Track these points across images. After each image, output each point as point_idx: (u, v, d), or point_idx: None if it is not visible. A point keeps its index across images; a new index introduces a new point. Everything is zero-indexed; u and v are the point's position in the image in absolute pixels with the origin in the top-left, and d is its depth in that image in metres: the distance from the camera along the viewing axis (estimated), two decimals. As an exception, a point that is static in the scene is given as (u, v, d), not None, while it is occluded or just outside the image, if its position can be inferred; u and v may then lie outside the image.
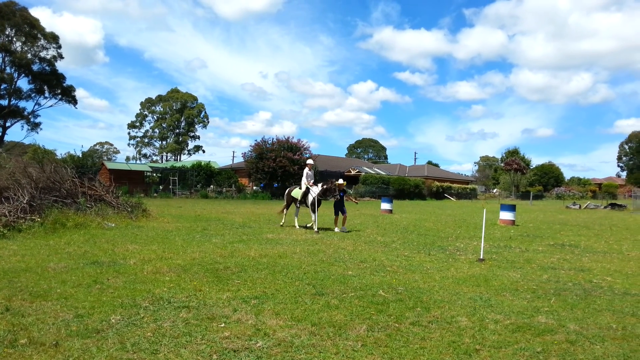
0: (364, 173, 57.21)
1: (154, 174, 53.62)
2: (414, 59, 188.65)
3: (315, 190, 15.88)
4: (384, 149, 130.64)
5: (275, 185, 43.06)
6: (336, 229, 15.81)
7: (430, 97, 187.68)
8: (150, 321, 5.45)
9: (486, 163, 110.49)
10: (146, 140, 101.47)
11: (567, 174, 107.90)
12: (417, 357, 4.62)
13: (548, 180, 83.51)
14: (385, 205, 26.88)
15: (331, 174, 57.40)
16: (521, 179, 79.35)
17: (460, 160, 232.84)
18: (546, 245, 13.60)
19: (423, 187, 57.09)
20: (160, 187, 46.64)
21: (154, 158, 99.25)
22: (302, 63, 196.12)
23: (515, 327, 5.61)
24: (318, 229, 15.71)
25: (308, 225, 16.73)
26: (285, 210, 17.46)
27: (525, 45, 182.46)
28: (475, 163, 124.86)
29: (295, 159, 42.63)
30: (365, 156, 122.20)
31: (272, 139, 44.91)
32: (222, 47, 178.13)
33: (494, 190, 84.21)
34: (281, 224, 17.13)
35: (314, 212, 15.77)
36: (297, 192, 16.65)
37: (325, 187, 15.76)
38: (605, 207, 42.11)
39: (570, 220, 25.07)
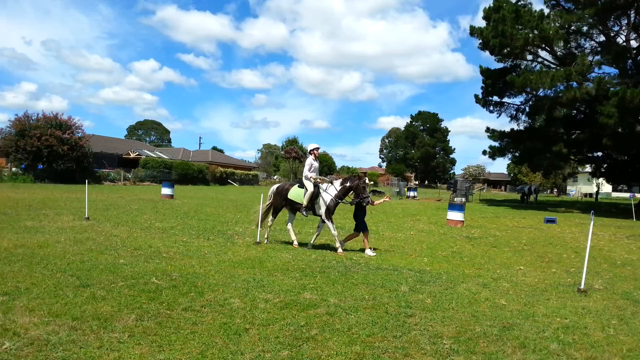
0: (144, 156, 54.52)
1: None
2: (199, 42, 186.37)
3: (332, 191, 10.70)
4: (167, 132, 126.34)
5: (40, 166, 38.32)
6: (369, 251, 10.39)
7: (215, 82, 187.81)
8: None
9: (268, 151, 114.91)
10: None
11: (339, 163, 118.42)
12: (188, 342, 4.59)
13: (322, 168, 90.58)
14: (166, 190, 26.06)
15: (107, 155, 53.38)
16: (299, 166, 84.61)
17: (244, 147, 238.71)
18: (316, 228, 14.70)
19: (207, 172, 56.85)
20: None
21: None
22: (76, 32, 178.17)
23: (283, 304, 5.96)
24: (340, 246, 10.59)
25: (337, 247, 10.61)
26: (270, 219, 11.57)
27: (305, 41, 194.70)
28: (258, 150, 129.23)
29: (65, 138, 38.44)
30: (147, 139, 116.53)
31: (38, 114, 39.74)
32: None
33: (275, 177, 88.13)
34: (263, 240, 11.31)
35: (331, 220, 10.73)
36: (297, 193, 10.98)
37: (349, 184, 10.60)
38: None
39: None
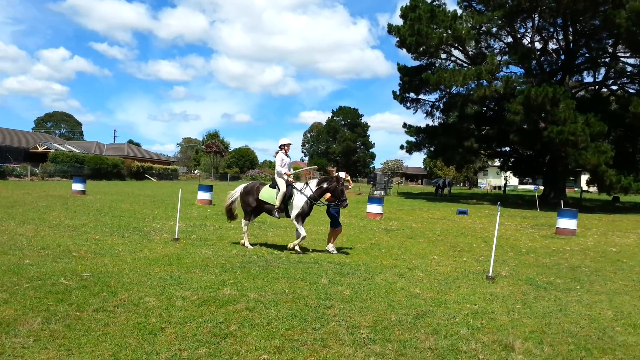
0: (53, 150, 51.39)
1: None
2: (113, 31, 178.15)
3: (307, 191, 10.00)
4: (79, 124, 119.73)
5: None
6: (331, 247, 10.28)
7: (131, 72, 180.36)
8: None
9: (188, 144, 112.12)
10: None
11: (261, 158, 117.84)
12: (99, 344, 4.39)
13: (244, 162, 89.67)
14: (77, 186, 24.70)
15: (12, 149, 49.83)
16: (220, 161, 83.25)
17: (162, 140, 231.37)
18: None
19: (122, 167, 54.52)
20: None
21: None
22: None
23: (201, 301, 5.84)
24: (301, 248, 10.10)
25: (292, 247, 9.98)
26: (245, 222, 10.49)
27: (225, 33, 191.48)
28: (177, 144, 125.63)
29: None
30: (57, 131, 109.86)
31: None
32: None
33: (195, 172, 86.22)
34: (247, 245, 10.27)
35: (301, 223, 9.96)
36: (269, 193, 10.12)
37: (326, 186, 9.95)
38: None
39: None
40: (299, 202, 9.90)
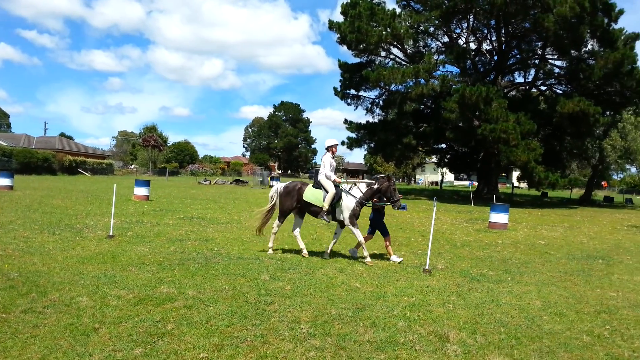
0: (-24, 143, 48.31)
1: None
2: (42, 18, 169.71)
3: (356, 193, 9.35)
4: (6, 115, 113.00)
5: None
6: (394, 257, 9.45)
7: (62, 62, 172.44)
8: None
9: (124, 138, 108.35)
10: None
11: (201, 152, 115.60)
12: (27, 347, 4.18)
13: (184, 157, 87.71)
14: (4, 181, 23.34)
15: None
16: (158, 155, 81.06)
17: (97, 133, 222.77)
18: (177, 219, 14.25)
19: (54, 161, 52.02)
20: None
21: None
22: None
23: (137, 300, 5.67)
24: (366, 256, 9.15)
25: (357, 254, 9.60)
26: (277, 224, 9.81)
27: (163, 23, 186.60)
28: (113, 137, 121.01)
29: None
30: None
31: None
32: None
33: (132, 166, 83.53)
34: (269, 250, 9.68)
35: (354, 226, 9.24)
36: (314, 195, 9.42)
37: (377, 186, 9.31)
38: (231, 183, 46.97)
39: (201, 195, 27.02)
40: (349, 203, 9.23)
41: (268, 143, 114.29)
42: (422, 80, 31.52)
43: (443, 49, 35.62)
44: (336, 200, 9.23)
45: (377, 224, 9.79)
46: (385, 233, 9.71)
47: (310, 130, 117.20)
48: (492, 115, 27.96)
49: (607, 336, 5.33)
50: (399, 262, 9.20)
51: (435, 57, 33.91)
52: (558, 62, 34.07)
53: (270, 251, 9.57)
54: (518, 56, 35.48)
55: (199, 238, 10.85)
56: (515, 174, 45.78)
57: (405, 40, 32.77)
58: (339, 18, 34.08)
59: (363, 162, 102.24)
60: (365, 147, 39.77)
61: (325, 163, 9.37)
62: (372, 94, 38.75)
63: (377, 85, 34.16)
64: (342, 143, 38.78)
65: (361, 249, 9.27)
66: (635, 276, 9.15)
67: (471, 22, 34.02)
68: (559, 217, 22.92)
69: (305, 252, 9.46)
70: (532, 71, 36.26)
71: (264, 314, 5.42)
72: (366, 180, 9.61)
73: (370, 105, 39.17)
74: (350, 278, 7.52)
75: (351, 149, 43.58)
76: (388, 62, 36.48)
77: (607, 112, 33.16)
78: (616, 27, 31.21)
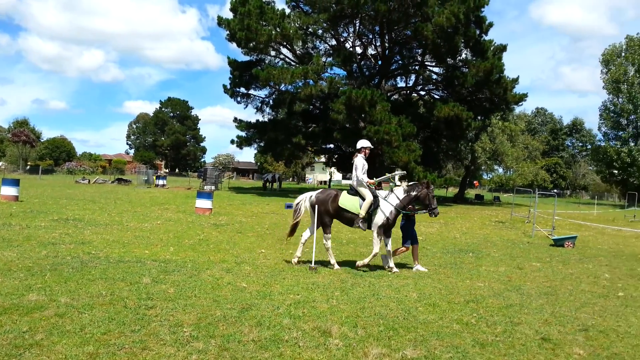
0: None
1: None
2: None
3: (393, 200, 8.93)
4: None
5: None
6: (418, 266, 9.29)
7: None
8: None
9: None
10: None
11: (80, 149, 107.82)
12: None
13: (60, 154, 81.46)
14: None
15: None
16: (30, 152, 74.66)
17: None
18: (50, 221, 13.21)
19: None
20: None
21: None
22: None
23: (1, 309, 5.19)
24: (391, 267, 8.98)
25: (362, 264, 8.92)
26: (327, 236, 9.12)
27: (36, 9, 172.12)
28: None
29: None
30: None
31: None
32: None
33: (0, 164, 76.05)
34: (296, 260, 9.14)
35: (388, 236, 8.93)
36: (350, 201, 8.93)
37: (415, 193, 8.97)
38: (112, 182, 44.47)
39: (78, 194, 25.27)
40: (385, 211, 8.81)
41: (154, 140, 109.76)
42: (311, 81, 32.09)
43: (331, 51, 36.52)
44: (373, 209, 8.81)
45: (407, 231, 9.43)
46: (415, 241, 9.43)
47: (200, 128, 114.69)
48: (376, 117, 29.21)
49: (474, 323, 5.81)
50: (423, 269, 9.12)
51: (324, 59, 34.71)
52: (436, 69, 36.42)
53: (337, 266, 8.90)
54: (400, 62, 37.35)
55: (74, 241, 10.15)
56: (398, 173, 48.11)
57: (295, 41, 33.17)
58: (229, 14, 33.66)
59: (253, 161, 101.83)
60: (256, 146, 39.69)
61: (357, 165, 8.92)
62: (262, 93, 38.78)
63: (267, 84, 34.24)
64: (232, 142, 38.35)
65: (387, 257, 9.03)
66: (500, 267, 10.07)
67: (357, 27, 35.22)
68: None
69: (336, 266, 8.88)
70: (413, 77, 38.40)
71: (145, 318, 5.21)
72: (403, 186, 9.19)
73: (260, 104, 39.17)
74: (237, 278, 7.47)
75: (241, 148, 43.39)
76: (278, 62, 36.71)
77: (479, 117, 36.01)
78: (487, 38, 34.10)
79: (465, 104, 32.38)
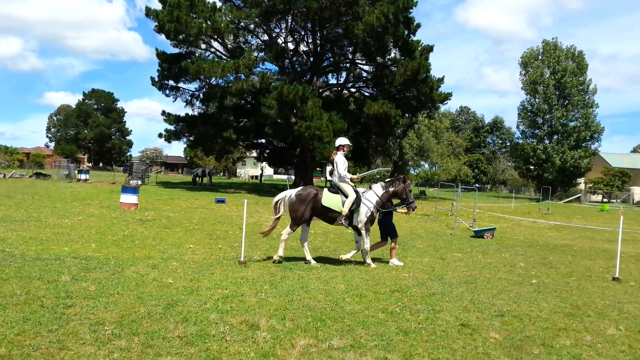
0: None
1: None
2: None
3: (371, 197, 9.14)
4: None
5: None
6: (395, 261, 9.50)
7: None
8: None
9: None
10: None
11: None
12: None
13: (-30, 147, 76.04)
14: None
15: None
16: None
17: None
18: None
19: None
20: None
21: None
22: None
23: None
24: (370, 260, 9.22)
25: (346, 259, 9.36)
26: (289, 231, 9.15)
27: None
28: None
29: None
30: None
31: None
32: None
33: None
34: (277, 258, 8.96)
35: (367, 232, 9.08)
36: (333, 199, 8.96)
37: (393, 189, 9.25)
38: (30, 177, 41.99)
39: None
40: (365, 208, 8.99)
41: (76, 133, 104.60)
42: (243, 75, 31.75)
43: (263, 46, 36.28)
44: (356, 206, 8.93)
45: (386, 226, 9.60)
46: (393, 235, 9.61)
47: (125, 121, 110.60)
48: (307, 113, 29.35)
49: (399, 312, 6.00)
50: (400, 264, 9.34)
51: (255, 54, 34.40)
52: (366, 67, 37.04)
53: (276, 257, 8.97)
54: (331, 59, 37.71)
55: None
56: (329, 168, 48.72)
57: (226, 35, 32.65)
58: (158, 5, 32.65)
59: (183, 156, 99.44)
60: (185, 140, 38.74)
61: (339, 162, 9.01)
62: (192, 86, 37.91)
63: (197, 77, 33.50)
64: (160, 136, 37.24)
65: (362, 251, 9.24)
66: (424, 258, 10.46)
67: (289, 23, 35.18)
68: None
69: (313, 262, 8.99)
70: (344, 74, 38.84)
71: (63, 318, 4.99)
72: (380, 182, 9.46)
73: (190, 98, 38.26)
74: (163, 274, 7.30)
75: (169, 142, 41.96)
76: (209, 55, 35.97)
77: (406, 115, 37.05)
78: (415, 38, 35.06)
79: (394, 102, 33.19)
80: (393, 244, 9.62)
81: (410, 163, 52.19)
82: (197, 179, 43.21)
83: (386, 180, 9.64)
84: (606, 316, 6.30)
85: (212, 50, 35.84)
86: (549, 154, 54.74)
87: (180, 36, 31.65)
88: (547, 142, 56.43)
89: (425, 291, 7.17)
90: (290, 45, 36.46)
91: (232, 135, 34.49)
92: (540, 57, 56.99)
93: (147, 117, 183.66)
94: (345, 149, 9.31)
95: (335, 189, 9.06)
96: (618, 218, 10.05)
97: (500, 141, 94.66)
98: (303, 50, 37.48)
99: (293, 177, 41.92)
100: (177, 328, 4.90)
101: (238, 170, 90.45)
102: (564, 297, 7.29)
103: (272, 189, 38.15)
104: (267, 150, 42.91)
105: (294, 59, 37.01)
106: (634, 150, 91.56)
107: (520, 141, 60.53)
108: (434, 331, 5.33)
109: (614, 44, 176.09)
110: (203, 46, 35.03)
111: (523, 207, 35.79)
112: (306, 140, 30.71)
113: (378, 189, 9.25)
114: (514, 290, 7.58)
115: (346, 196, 8.90)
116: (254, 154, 50.40)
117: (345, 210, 8.84)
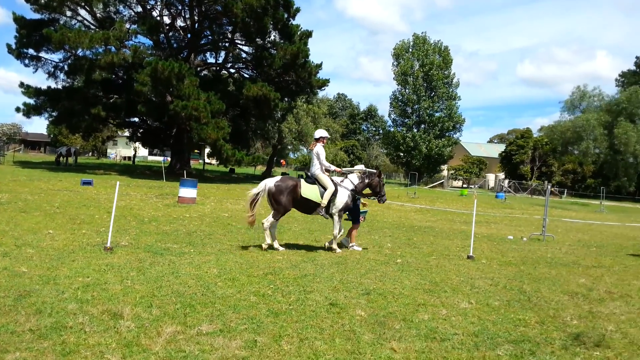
0: None
1: None
2: None
3: (348, 185, 9.44)
4: None
5: None
6: (354, 245, 9.97)
7: None
8: None
9: None
10: None
11: None
12: None
13: None
14: None
15: None
16: None
17: None
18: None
19: None
20: None
21: None
22: None
23: None
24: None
25: (330, 246, 9.60)
26: (270, 221, 9.15)
27: None
28: None
29: None
30: None
31: None
32: None
33: None
34: (266, 246, 9.04)
35: (340, 218, 9.48)
36: (312, 190, 9.16)
37: (368, 181, 9.69)
38: None
39: None
40: (342, 196, 9.26)
41: None
42: (113, 48, 29.79)
43: (136, 18, 34.26)
44: (334, 197, 9.18)
45: (355, 210, 10.00)
46: (356, 221, 10.04)
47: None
48: (184, 92, 28.35)
49: (271, 294, 6.06)
50: (359, 249, 9.78)
51: (128, 25, 32.51)
52: (246, 48, 36.62)
53: (280, 248, 9.26)
54: (210, 37, 36.69)
55: None
56: (207, 150, 47.71)
57: (95, 3, 30.40)
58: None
59: (46, 133, 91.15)
60: (47, 116, 35.49)
61: (320, 153, 9.25)
62: (56, 57, 34.75)
63: (61, 47, 30.79)
64: (17, 110, 33.71)
65: (336, 238, 9.47)
66: (299, 240, 10.67)
67: (166, -5, 33.60)
68: (244, 191, 24.82)
69: (277, 245, 9.29)
70: (223, 54, 38.08)
71: None
72: (356, 173, 9.68)
73: (53, 69, 35.10)
74: (15, 263, 6.67)
75: (28, 117, 37.81)
76: (75, 24, 33.19)
77: (286, 99, 37.28)
78: (294, 23, 35.25)
79: (273, 85, 33.23)
80: (355, 229, 10.14)
81: (289, 147, 52.74)
82: (62, 158, 39.78)
83: (362, 172, 9.89)
84: (460, 291, 6.89)
85: (79, 18, 33.14)
86: (416, 142, 58.47)
87: (42, 0, 28.80)
88: (415, 130, 60.16)
89: (298, 273, 7.31)
90: (167, 20, 34.91)
91: (101, 112, 32.29)
92: (410, 50, 60.32)
93: (3, 89, 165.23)
94: (324, 140, 9.59)
95: (312, 180, 9.32)
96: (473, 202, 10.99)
97: (374, 128, 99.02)
98: (180, 26, 36.03)
99: (169, 158, 40.42)
100: (29, 321, 4.50)
101: (109, 151, 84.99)
102: (424, 274, 7.84)
103: (146, 171, 36.47)
104: (141, 130, 40.83)
105: (170, 34, 35.46)
106: (490, 141, 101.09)
107: (392, 129, 63.82)
108: (303, 311, 5.46)
109: (476, 42, 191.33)
110: (69, 13, 32.31)
111: (393, 191, 37.88)
112: (183, 121, 29.69)
113: (354, 178, 9.61)
114: (381, 270, 8.00)
115: (324, 188, 9.16)
116: (127, 133, 47.71)
117: (324, 201, 9.12)
